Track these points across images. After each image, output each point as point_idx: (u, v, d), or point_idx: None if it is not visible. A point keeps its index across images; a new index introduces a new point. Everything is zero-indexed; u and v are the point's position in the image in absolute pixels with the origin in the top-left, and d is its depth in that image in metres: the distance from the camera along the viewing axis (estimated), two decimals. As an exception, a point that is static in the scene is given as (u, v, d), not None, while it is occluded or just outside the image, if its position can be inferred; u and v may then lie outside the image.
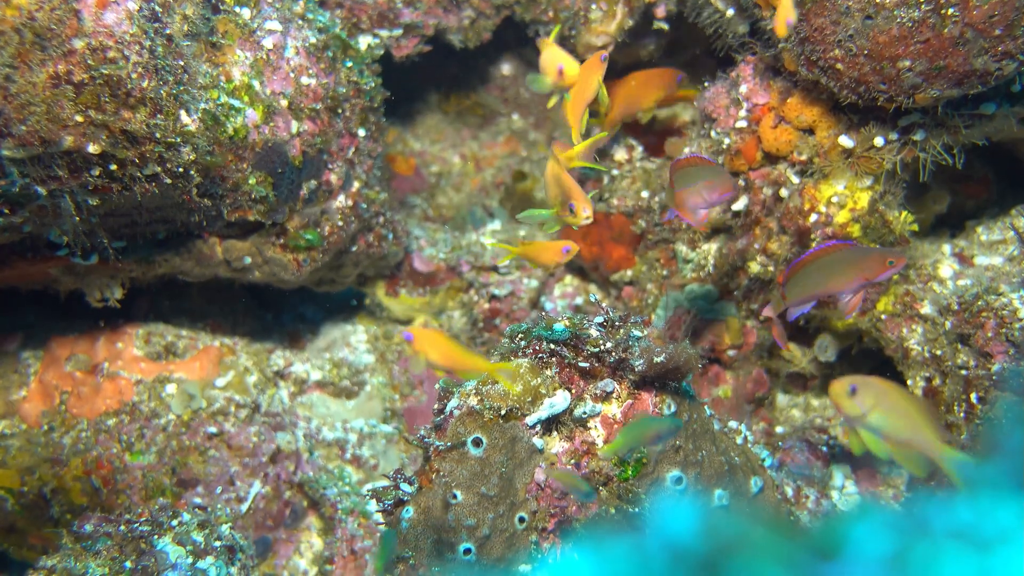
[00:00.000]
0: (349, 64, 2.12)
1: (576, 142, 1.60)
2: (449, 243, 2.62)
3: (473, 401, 1.50)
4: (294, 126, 1.93)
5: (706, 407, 1.70)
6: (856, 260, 1.55)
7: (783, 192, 2.07)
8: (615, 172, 2.42)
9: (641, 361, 1.50)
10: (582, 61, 1.61)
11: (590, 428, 1.54)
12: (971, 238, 2.17)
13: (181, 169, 1.66)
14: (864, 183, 1.99)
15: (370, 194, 2.22)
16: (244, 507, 2.17)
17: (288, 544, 2.24)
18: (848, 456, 2.17)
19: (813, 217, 2.02)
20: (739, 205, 2.13)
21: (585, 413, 1.53)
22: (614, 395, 1.54)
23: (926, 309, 2.03)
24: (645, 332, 1.57)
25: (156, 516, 1.75)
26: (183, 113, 1.65)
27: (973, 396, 1.82)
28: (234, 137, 1.81)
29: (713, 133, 2.15)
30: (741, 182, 2.12)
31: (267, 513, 2.21)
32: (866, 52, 1.72)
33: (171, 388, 2.20)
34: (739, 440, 1.74)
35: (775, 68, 2.01)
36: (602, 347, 1.50)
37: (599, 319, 1.55)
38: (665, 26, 2.43)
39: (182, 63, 1.64)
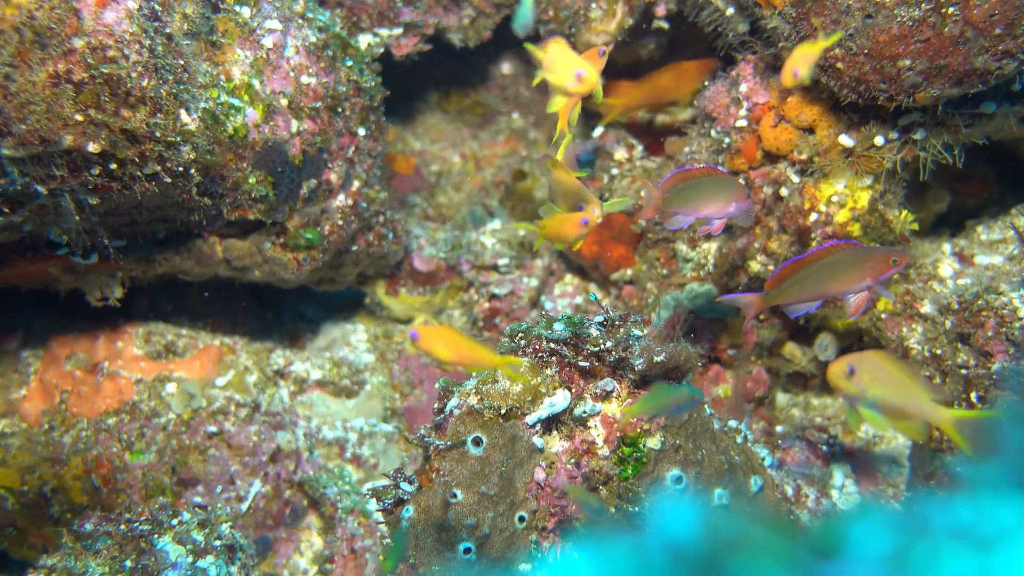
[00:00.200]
0: (349, 63, 2.12)
1: (563, 136, 1.59)
2: (449, 242, 2.62)
3: (473, 400, 1.50)
4: (294, 125, 1.93)
5: (706, 406, 1.70)
6: (859, 260, 1.55)
7: (783, 191, 2.07)
8: (615, 171, 2.42)
9: (641, 360, 1.50)
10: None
11: (590, 427, 1.54)
12: (971, 237, 2.17)
13: (181, 168, 1.66)
14: (864, 182, 1.99)
15: (370, 193, 2.22)
16: (244, 506, 2.17)
17: (288, 543, 2.24)
18: (848, 455, 2.17)
19: (813, 216, 2.02)
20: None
21: (585, 412, 1.53)
22: (614, 394, 1.54)
23: (926, 308, 2.03)
24: (645, 331, 1.57)
25: (156, 515, 1.75)
26: (183, 112, 1.65)
27: (973, 395, 1.82)
28: (234, 136, 1.80)
29: (713, 132, 2.15)
30: (741, 181, 2.12)
31: (267, 512, 2.21)
32: (866, 51, 1.72)
33: (171, 387, 2.20)
34: (739, 439, 1.74)
35: (775, 67, 2.01)
36: (602, 346, 1.50)
37: (599, 318, 1.55)
38: (665, 25, 2.43)
39: (182, 62, 1.64)
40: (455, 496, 1.46)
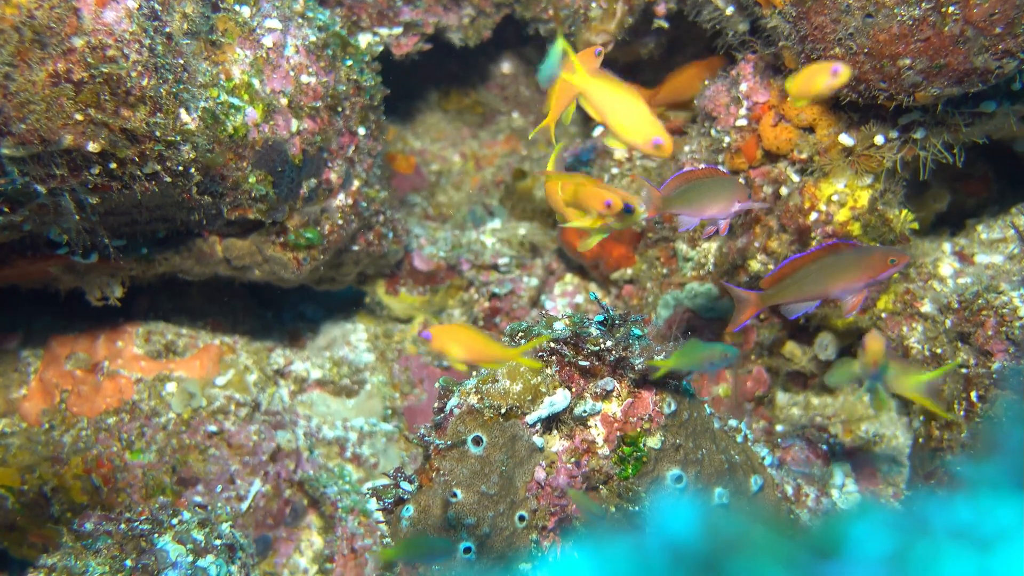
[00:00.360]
0: (349, 62, 2.12)
1: (551, 129, 1.57)
2: (449, 242, 2.62)
3: (473, 399, 1.50)
4: (294, 124, 1.93)
5: (706, 405, 1.70)
6: (857, 260, 1.55)
7: (783, 190, 2.07)
8: (615, 171, 2.42)
9: (641, 359, 1.50)
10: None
11: (590, 427, 1.54)
12: (971, 236, 2.17)
13: (181, 167, 1.66)
14: (864, 181, 1.99)
15: (370, 192, 2.22)
16: (244, 505, 2.17)
17: (288, 542, 2.24)
18: (848, 454, 2.17)
19: (813, 215, 2.02)
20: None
21: (585, 411, 1.53)
22: (614, 393, 1.54)
23: (926, 307, 2.03)
24: (645, 331, 1.57)
25: (156, 515, 1.75)
26: (183, 111, 1.65)
27: (973, 394, 1.82)
28: (234, 135, 1.80)
29: (713, 131, 2.14)
30: (741, 180, 2.12)
31: (267, 511, 2.21)
32: (866, 50, 1.72)
33: (171, 387, 2.20)
34: (739, 438, 1.74)
35: (775, 66, 2.01)
36: (602, 346, 1.50)
37: (599, 318, 1.55)
38: (665, 24, 2.43)
39: (182, 61, 1.64)
40: (455, 495, 1.47)
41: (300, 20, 2.00)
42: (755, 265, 2.15)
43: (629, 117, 1.27)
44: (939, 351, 1.93)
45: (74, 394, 2.17)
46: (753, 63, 2.06)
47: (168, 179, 1.64)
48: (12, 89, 1.39)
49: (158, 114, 1.55)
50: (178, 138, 1.61)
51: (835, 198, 2.01)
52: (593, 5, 2.40)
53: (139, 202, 1.74)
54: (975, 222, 2.21)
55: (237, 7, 1.88)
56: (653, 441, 1.55)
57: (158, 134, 1.56)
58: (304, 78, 1.96)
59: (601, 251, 2.39)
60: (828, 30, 1.75)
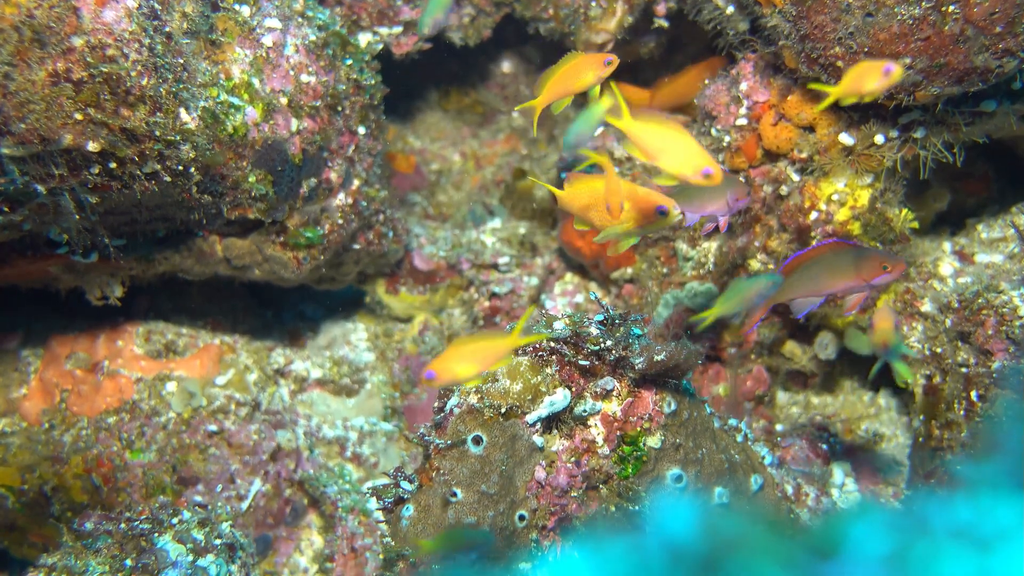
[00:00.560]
0: (349, 61, 2.11)
1: (535, 112, 1.57)
2: (449, 241, 2.62)
3: (473, 399, 1.50)
4: (294, 124, 1.93)
5: (706, 405, 1.70)
6: (854, 262, 1.55)
7: (783, 190, 2.07)
8: (615, 170, 2.42)
9: (641, 359, 1.49)
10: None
11: (590, 426, 1.54)
12: (971, 236, 2.17)
13: (181, 167, 1.66)
14: (864, 181, 1.99)
15: (370, 192, 2.22)
16: (244, 505, 2.17)
17: (288, 542, 2.25)
18: (848, 454, 2.17)
19: (813, 215, 2.02)
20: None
21: (585, 411, 1.53)
22: (614, 393, 1.54)
23: (926, 307, 2.03)
24: (645, 330, 1.57)
25: (156, 514, 1.75)
26: (183, 111, 1.65)
27: (973, 394, 1.82)
28: (234, 135, 1.80)
29: (713, 131, 2.14)
30: (741, 179, 2.12)
31: (267, 511, 2.21)
32: (866, 50, 1.72)
33: (171, 386, 2.20)
34: (739, 438, 1.74)
35: (775, 65, 2.01)
36: (602, 345, 1.50)
37: (599, 317, 1.55)
38: (665, 23, 2.42)
39: (181, 61, 1.64)
40: (455, 495, 1.47)
41: (300, 19, 2.00)
42: (755, 264, 2.15)
43: (678, 153, 1.29)
44: (939, 350, 1.92)
45: (74, 393, 2.17)
46: (753, 62, 2.06)
47: (168, 178, 1.64)
48: (12, 88, 1.39)
49: (158, 113, 1.55)
50: (178, 137, 1.61)
51: (835, 197, 2.01)
52: (593, 4, 2.40)
53: (139, 201, 1.74)
54: (975, 221, 2.20)
55: (237, 6, 1.88)
56: (653, 440, 1.55)
57: (158, 133, 1.56)
58: (304, 77, 1.96)
59: (601, 250, 2.39)
60: (828, 29, 1.75)
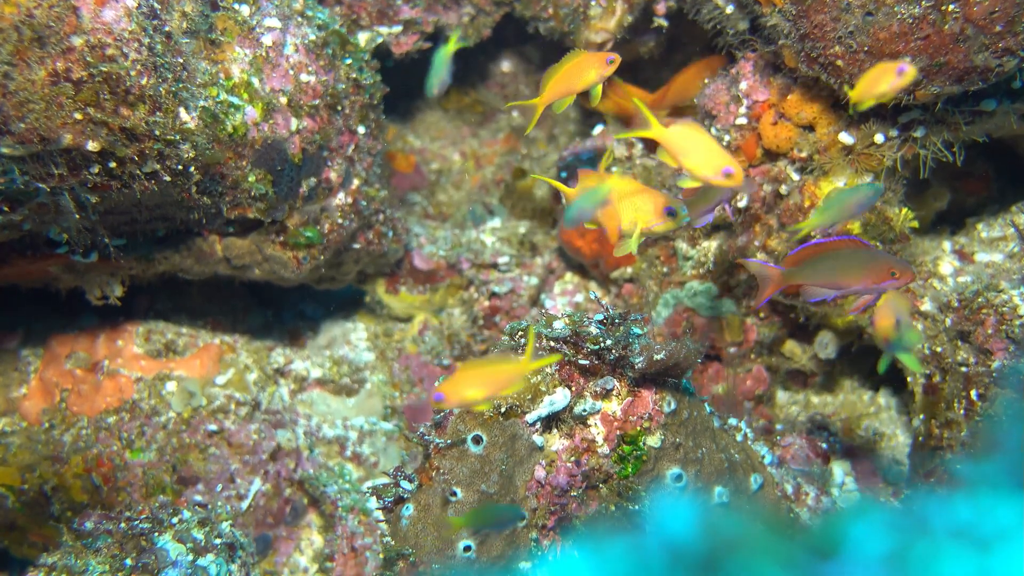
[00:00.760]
0: (348, 61, 2.11)
1: (536, 111, 1.59)
2: (449, 241, 2.62)
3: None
4: (293, 123, 1.93)
5: (706, 404, 1.70)
6: (865, 262, 1.55)
7: (783, 189, 2.07)
8: (615, 169, 2.42)
9: (641, 358, 1.49)
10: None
11: (590, 426, 1.54)
12: (971, 235, 2.17)
13: (180, 167, 1.66)
14: (864, 180, 1.99)
15: (370, 192, 2.22)
16: (244, 504, 2.17)
17: (288, 541, 2.25)
18: (848, 453, 2.17)
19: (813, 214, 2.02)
20: (740, 203, 2.13)
21: (585, 411, 1.53)
22: (614, 392, 1.54)
23: (926, 306, 2.03)
24: (645, 329, 1.57)
25: (156, 514, 1.75)
26: (182, 110, 1.65)
27: (973, 393, 1.82)
28: (233, 134, 1.80)
29: (713, 130, 2.14)
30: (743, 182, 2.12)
31: (267, 510, 2.21)
32: (866, 49, 1.72)
33: (171, 386, 2.20)
34: (739, 437, 1.74)
35: (775, 65, 2.01)
36: (602, 344, 1.50)
37: (599, 316, 1.55)
38: (665, 23, 2.42)
39: (181, 60, 1.64)
40: (455, 494, 1.47)
41: (299, 19, 2.00)
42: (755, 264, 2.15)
43: (701, 155, 1.31)
44: (939, 349, 1.92)
45: (74, 393, 2.17)
46: (753, 61, 2.06)
47: (168, 178, 1.64)
48: (11, 88, 1.39)
49: (157, 113, 1.55)
50: (177, 137, 1.61)
51: (835, 197, 2.00)
52: (593, 3, 2.40)
53: (139, 201, 1.74)
54: (975, 220, 2.20)
55: (236, 6, 1.88)
56: (653, 440, 1.55)
57: (157, 133, 1.56)
58: (304, 77, 1.96)
59: (601, 250, 2.39)
60: (828, 28, 1.75)
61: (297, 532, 2.26)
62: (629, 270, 2.37)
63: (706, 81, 2.21)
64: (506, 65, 3.08)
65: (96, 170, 1.54)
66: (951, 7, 1.62)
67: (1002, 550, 0.62)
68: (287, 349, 2.48)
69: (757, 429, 2.23)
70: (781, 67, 1.98)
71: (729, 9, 2.07)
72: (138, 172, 1.58)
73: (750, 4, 1.94)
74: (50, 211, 1.63)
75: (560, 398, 1.51)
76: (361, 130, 2.17)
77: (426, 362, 2.54)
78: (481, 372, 1.25)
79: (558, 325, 1.54)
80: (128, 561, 1.63)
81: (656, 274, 2.31)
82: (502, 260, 2.57)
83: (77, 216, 1.63)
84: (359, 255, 2.32)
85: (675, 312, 2.27)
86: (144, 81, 1.51)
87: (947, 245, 2.16)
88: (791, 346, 2.29)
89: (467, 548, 1.46)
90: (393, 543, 1.49)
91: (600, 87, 1.64)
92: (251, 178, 1.87)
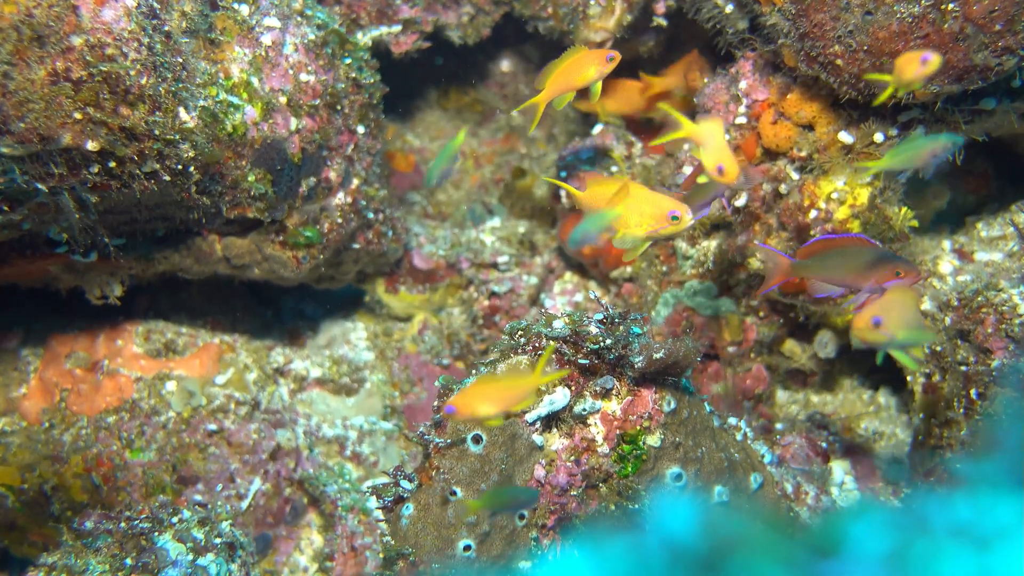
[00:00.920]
0: (348, 60, 2.11)
1: (538, 110, 1.60)
2: (449, 240, 2.62)
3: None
4: (293, 123, 1.93)
5: (706, 403, 1.70)
6: (869, 262, 1.55)
7: (783, 188, 2.07)
8: (614, 169, 2.42)
9: (641, 357, 1.50)
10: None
11: (590, 425, 1.54)
12: (971, 234, 2.17)
13: (180, 166, 1.66)
14: (864, 179, 1.99)
15: (369, 191, 2.22)
16: (244, 504, 2.17)
17: (288, 541, 2.25)
18: (848, 452, 2.17)
19: (813, 213, 2.02)
20: (739, 201, 2.13)
21: (585, 410, 1.53)
22: (614, 392, 1.54)
23: (926, 305, 2.03)
24: (645, 329, 1.57)
25: (156, 513, 1.75)
26: (182, 110, 1.65)
27: (973, 392, 1.82)
28: (233, 134, 1.80)
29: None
30: (741, 178, 2.12)
31: (267, 510, 2.21)
32: (866, 48, 1.72)
33: (171, 385, 2.20)
34: (739, 436, 1.74)
35: (775, 64, 2.01)
36: (602, 344, 1.50)
37: (599, 316, 1.55)
38: (664, 22, 2.42)
39: (180, 60, 1.64)
40: (455, 493, 1.47)
41: (299, 18, 2.00)
42: (755, 263, 2.15)
43: (709, 149, 1.40)
44: (938, 349, 1.93)
45: (74, 393, 2.17)
46: (752, 61, 2.06)
47: (167, 178, 1.64)
48: (11, 88, 1.39)
49: (157, 113, 1.55)
50: (177, 136, 1.61)
51: (835, 196, 2.01)
52: (592, 2, 2.40)
53: (138, 201, 1.74)
54: (975, 219, 2.20)
55: (236, 5, 1.88)
56: (653, 439, 1.55)
57: (157, 133, 1.56)
58: (303, 76, 1.96)
59: (601, 249, 2.39)
60: (828, 27, 1.75)
61: (297, 531, 2.26)
62: (629, 269, 2.37)
63: (698, 76, 2.22)
64: (505, 64, 3.08)
65: (96, 170, 1.54)
66: (950, 6, 1.62)
67: (1002, 549, 0.62)
68: (287, 349, 2.48)
69: (757, 428, 2.23)
70: (781, 66, 1.98)
71: (728, 8, 2.07)
72: (138, 172, 1.58)
73: (749, 3, 1.94)
74: (50, 211, 1.63)
75: (560, 397, 1.51)
76: (361, 129, 2.17)
77: (426, 361, 2.54)
78: (493, 387, 1.26)
79: (558, 325, 1.54)
80: (128, 560, 1.63)
81: (656, 273, 2.31)
82: (502, 259, 2.57)
83: (77, 216, 1.63)
84: (359, 254, 2.32)
85: (675, 311, 2.27)
86: (144, 81, 1.51)
87: (947, 244, 2.16)
88: (791, 345, 2.29)
89: (467, 547, 1.46)
90: (393, 542, 1.50)
91: (599, 84, 1.64)
92: (251, 178, 1.87)
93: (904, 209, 2.00)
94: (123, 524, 1.70)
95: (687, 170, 2.17)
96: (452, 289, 2.59)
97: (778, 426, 2.27)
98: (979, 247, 2.13)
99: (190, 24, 1.69)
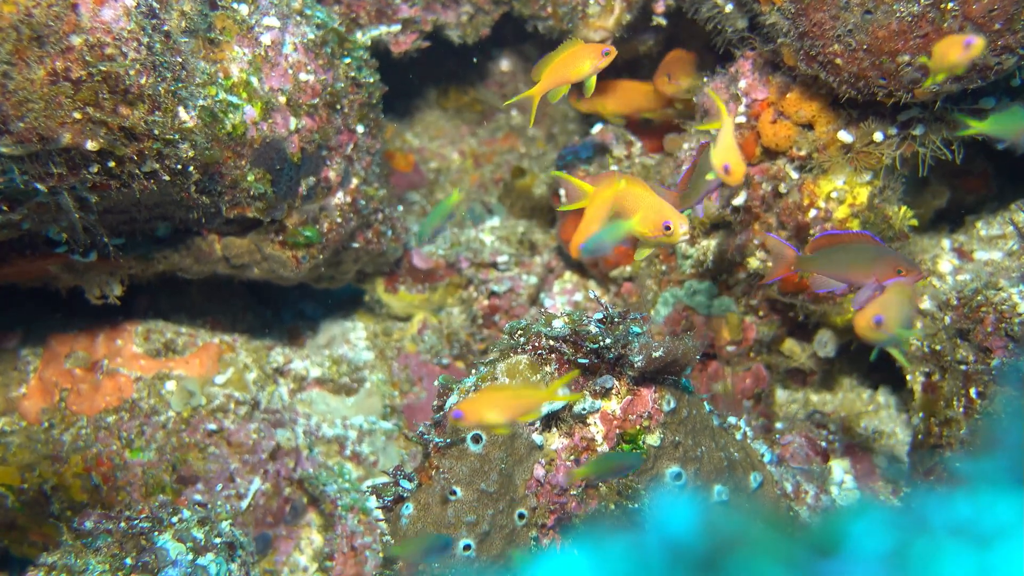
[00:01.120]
0: (347, 60, 2.11)
1: (533, 103, 1.61)
2: (448, 240, 2.62)
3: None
4: (292, 122, 1.93)
5: (705, 403, 1.70)
6: (872, 259, 1.56)
7: (782, 187, 2.07)
8: (614, 167, 2.42)
9: (640, 357, 1.50)
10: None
11: (589, 424, 1.54)
12: (970, 233, 2.17)
13: (179, 166, 1.66)
14: (863, 178, 1.99)
15: (369, 191, 2.22)
16: (244, 504, 2.17)
17: (288, 541, 2.25)
18: (848, 451, 2.17)
19: (812, 212, 2.02)
20: (738, 201, 2.13)
21: (584, 409, 1.53)
22: (613, 391, 1.55)
23: (925, 304, 2.03)
24: (644, 328, 1.57)
25: (156, 513, 1.75)
26: (181, 110, 1.65)
27: (972, 391, 1.82)
28: (232, 134, 1.80)
29: (712, 129, 2.14)
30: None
31: (267, 510, 2.21)
32: (865, 47, 1.72)
33: (171, 385, 2.20)
34: (738, 436, 1.74)
35: (774, 63, 2.01)
36: (601, 343, 1.50)
37: (598, 315, 1.55)
38: (663, 21, 2.42)
39: (180, 60, 1.64)
40: (455, 493, 1.47)
41: (298, 18, 2.00)
42: (754, 263, 2.15)
43: (718, 147, 1.41)
44: (938, 348, 1.93)
45: (74, 392, 2.17)
46: (752, 60, 2.06)
47: (167, 177, 1.64)
48: (11, 87, 1.39)
49: (156, 112, 1.55)
50: (177, 136, 1.61)
51: (834, 195, 2.01)
52: (591, 2, 2.40)
53: (138, 200, 1.74)
54: (974, 219, 2.21)
55: (235, 5, 1.88)
56: (652, 439, 1.55)
57: (156, 132, 1.56)
58: (302, 76, 1.96)
59: (600, 249, 2.39)
60: (827, 26, 1.75)
61: (297, 531, 2.26)
62: (628, 269, 2.38)
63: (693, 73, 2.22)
64: (505, 64, 3.08)
65: (95, 169, 1.54)
66: (950, 5, 1.62)
67: (1001, 547, 0.62)
68: (286, 348, 2.48)
69: (756, 427, 2.23)
70: (780, 65, 1.98)
71: (728, 8, 2.07)
72: (137, 171, 1.58)
73: (749, 2, 1.94)
74: (49, 210, 1.63)
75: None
76: (360, 129, 2.17)
77: (425, 361, 2.54)
78: (503, 396, 1.26)
79: (557, 324, 1.54)
80: (128, 560, 1.63)
81: (655, 273, 2.31)
82: (501, 259, 2.57)
83: (76, 215, 1.63)
84: (358, 254, 2.32)
85: (674, 311, 2.27)
86: (143, 80, 1.51)
87: (946, 243, 2.16)
88: (790, 344, 2.29)
89: (467, 547, 1.46)
90: (393, 542, 1.50)
91: (594, 79, 1.64)
92: (250, 177, 1.87)
93: (904, 208, 2.00)
94: (123, 524, 1.70)
95: (686, 169, 2.17)
96: (452, 289, 2.59)
97: (778, 425, 2.27)
98: (979, 246, 2.13)
99: (189, 24, 1.69)
